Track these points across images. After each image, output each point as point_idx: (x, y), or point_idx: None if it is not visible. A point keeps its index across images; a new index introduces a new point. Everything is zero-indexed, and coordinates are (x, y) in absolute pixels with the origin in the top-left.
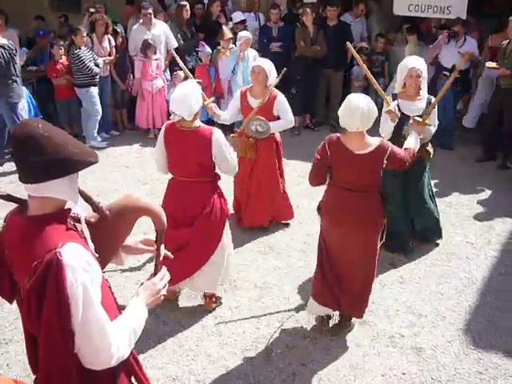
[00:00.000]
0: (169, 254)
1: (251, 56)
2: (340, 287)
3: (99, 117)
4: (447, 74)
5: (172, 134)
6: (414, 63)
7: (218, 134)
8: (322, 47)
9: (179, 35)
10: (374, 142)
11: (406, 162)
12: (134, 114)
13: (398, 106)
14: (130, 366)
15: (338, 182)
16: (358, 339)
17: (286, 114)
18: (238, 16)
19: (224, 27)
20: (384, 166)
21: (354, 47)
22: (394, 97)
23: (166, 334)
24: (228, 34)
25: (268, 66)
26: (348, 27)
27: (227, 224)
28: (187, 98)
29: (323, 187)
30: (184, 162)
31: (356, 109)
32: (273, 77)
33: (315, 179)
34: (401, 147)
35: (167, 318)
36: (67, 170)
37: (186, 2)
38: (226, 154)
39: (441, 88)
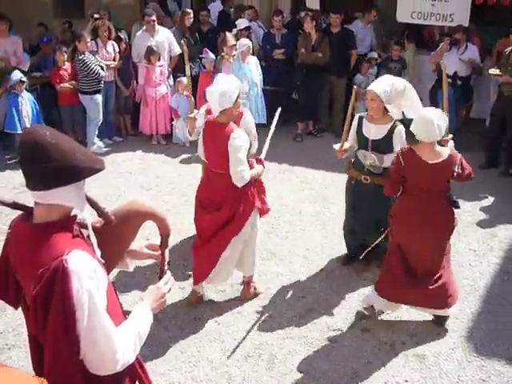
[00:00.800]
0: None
1: (253, 63)
2: (414, 283)
3: (99, 122)
4: (449, 80)
5: (208, 125)
6: (371, 86)
7: (237, 134)
8: (325, 54)
9: (182, 41)
10: (445, 151)
11: (472, 174)
12: (137, 120)
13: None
14: (134, 372)
15: (411, 190)
16: (360, 346)
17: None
18: (242, 23)
19: (227, 34)
20: (454, 175)
21: (365, 55)
22: None
23: (168, 340)
24: (231, 40)
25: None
26: (351, 34)
27: (255, 218)
28: (218, 92)
29: (324, 195)
30: (211, 152)
31: (432, 122)
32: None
33: (391, 190)
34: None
35: (169, 324)
36: (74, 177)
37: (190, 10)
38: (234, 157)
39: (441, 92)
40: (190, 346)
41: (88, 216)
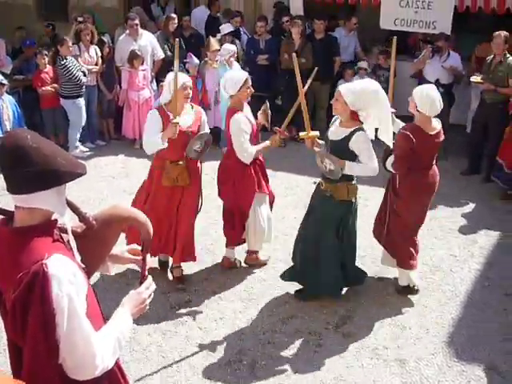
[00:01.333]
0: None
1: (236, 69)
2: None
3: (81, 127)
4: None
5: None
6: (341, 86)
7: (234, 118)
8: (308, 60)
9: (166, 46)
10: (437, 123)
11: None
12: (120, 124)
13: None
14: (114, 377)
15: (416, 165)
16: (341, 351)
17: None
18: (226, 28)
19: (211, 39)
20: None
21: (350, 62)
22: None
23: (151, 344)
24: (215, 45)
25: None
26: (335, 41)
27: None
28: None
29: (307, 200)
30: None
31: (436, 97)
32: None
33: (402, 168)
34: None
35: (151, 329)
36: (55, 181)
37: (174, 15)
38: (234, 139)
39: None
40: (172, 351)
41: (68, 221)
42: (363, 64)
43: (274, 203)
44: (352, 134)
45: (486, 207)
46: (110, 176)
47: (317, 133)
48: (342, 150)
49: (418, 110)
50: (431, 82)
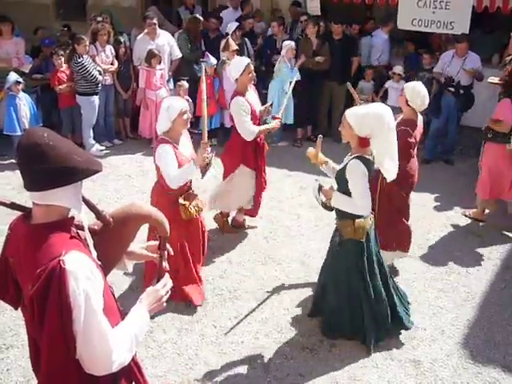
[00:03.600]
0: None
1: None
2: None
3: (93, 124)
4: (452, 89)
5: None
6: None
7: (235, 100)
8: (326, 60)
9: (189, 45)
10: (420, 118)
11: None
12: (137, 123)
13: None
14: (131, 372)
15: (411, 153)
16: (356, 351)
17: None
18: (232, 26)
19: (229, 38)
20: None
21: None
22: None
23: (166, 342)
24: (233, 45)
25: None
26: (353, 41)
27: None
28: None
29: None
30: None
31: (426, 94)
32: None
33: (408, 160)
34: None
35: (167, 327)
36: (72, 178)
37: (200, 17)
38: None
39: (445, 104)
40: (187, 349)
41: (84, 217)
42: (398, 69)
43: (288, 203)
44: (350, 161)
45: (502, 209)
46: (127, 175)
47: (325, 159)
48: (340, 180)
49: (408, 105)
50: (452, 84)
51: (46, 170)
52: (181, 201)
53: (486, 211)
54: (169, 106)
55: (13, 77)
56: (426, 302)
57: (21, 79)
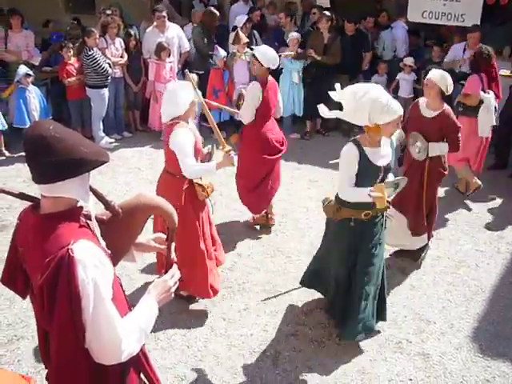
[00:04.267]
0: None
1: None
2: None
3: (103, 117)
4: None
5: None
6: None
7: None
8: (336, 55)
9: (205, 39)
10: None
11: None
12: (147, 115)
13: None
14: (139, 362)
15: None
16: (365, 344)
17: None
18: (241, 19)
19: (240, 31)
20: None
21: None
22: None
23: (175, 334)
24: (244, 38)
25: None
26: (366, 36)
27: None
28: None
29: (334, 191)
30: None
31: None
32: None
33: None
34: None
35: (176, 319)
36: (79, 170)
37: (216, 11)
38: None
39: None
40: (196, 341)
41: (92, 208)
42: (409, 60)
43: (298, 196)
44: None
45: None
46: (136, 167)
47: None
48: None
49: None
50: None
51: (52, 162)
52: (198, 181)
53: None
54: (180, 92)
55: (23, 69)
56: (436, 296)
57: (31, 72)
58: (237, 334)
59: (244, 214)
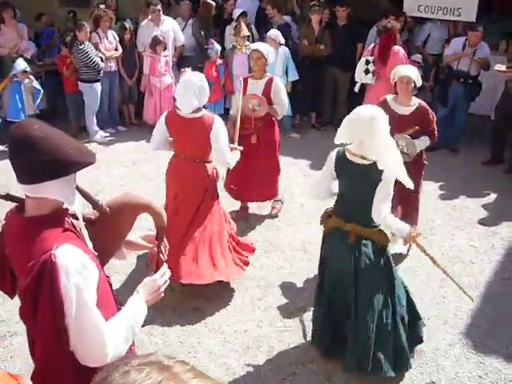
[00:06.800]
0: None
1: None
2: None
3: (96, 111)
4: (462, 80)
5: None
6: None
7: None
8: (327, 46)
9: (202, 32)
10: None
11: None
12: (141, 109)
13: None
14: None
15: None
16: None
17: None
18: (237, 12)
19: (243, 24)
20: None
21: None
22: None
23: (169, 329)
24: (245, 31)
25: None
26: (359, 28)
27: None
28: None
29: None
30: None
31: None
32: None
33: None
34: None
35: (169, 315)
36: (63, 171)
37: (212, 2)
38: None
39: (453, 94)
40: (189, 337)
41: (78, 209)
42: (417, 57)
43: (292, 191)
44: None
45: (508, 198)
46: (130, 162)
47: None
48: None
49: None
50: (461, 73)
51: (37, 162)
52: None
53: None
54: (201, 85)
55: (21, 65)
56: (429, 292)
57: (28, 68)
58: (231, 330)
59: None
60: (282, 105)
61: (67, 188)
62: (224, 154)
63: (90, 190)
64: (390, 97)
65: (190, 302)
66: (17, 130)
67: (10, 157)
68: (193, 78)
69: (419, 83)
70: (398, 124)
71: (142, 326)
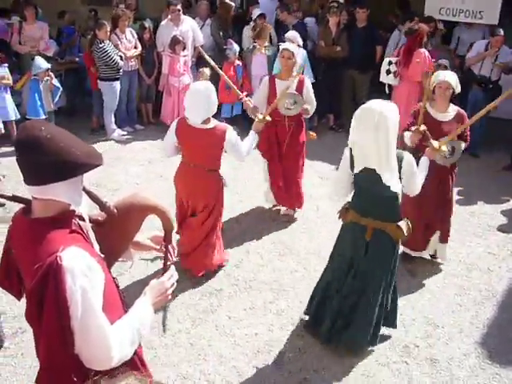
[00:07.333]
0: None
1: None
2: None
3: (114, 109)
4: (482, 85)
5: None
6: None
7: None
8: (344, 48)
9: (221, 32)
10: None
11: None
12: (159, 108)
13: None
14: (132, 365)
15: None
16: (372, 347)
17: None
18: (256, 12)
19: (267, 26)
20: None
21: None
22: None
23: (180, 331)
24: (267, 34)
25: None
26: (377, 30)
27: None
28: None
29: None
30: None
31: None
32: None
33: None
34: None
35: (182, 316)
36: (69, 172)
37: (232, 3)
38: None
39: (473, 98)
40: (200, 339)
41: (85, 211)
42: (443, 60)
43: (308, 193)
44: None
45: None
46: (147, 160)
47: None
48: None
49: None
50: (483, 78)
51: (43, 163)
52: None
53: None
54: (207, 94)
55: (43, 64)
56: (445, 299)
57: (49, 66)
58: (242, 333)
59: (254, 211)
60: (313, 104)
61: (74, 190)
62: (241, 154)
63: (106, 188)
64: (427, 103)
65: (202, 305)
66: (24, 130)
67: (16, 158)
68: (200, 87)
69: (458, 89)
70: (437, 130)
71: (153, 327)
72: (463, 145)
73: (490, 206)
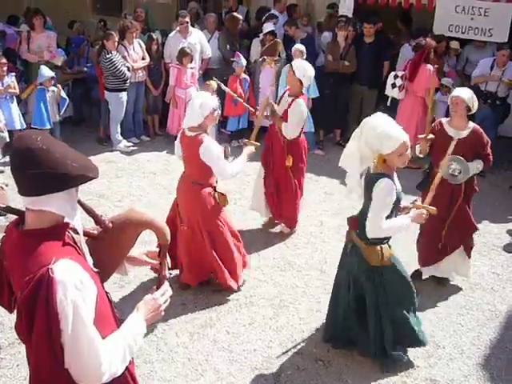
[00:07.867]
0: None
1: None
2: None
3: (120, 120)
4: (489, 101)
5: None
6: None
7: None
8: (352, 63)
9: (228, 46)
10: None
11: None
12: (166, 120)
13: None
14: (123, 381)
15: None
16: (371, 366)
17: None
18: (267, 27)
19: (279, 43)
20: None
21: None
22: None
23: (177, 345)
24: (279, 50)
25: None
26: (385, 45)
27: None
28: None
29: (347, 207)
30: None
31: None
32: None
33: None
34: None
35: (180, 330)
36: (64, 184)
37: (239, 16)
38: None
39: (480, 115)
40: (197, 354)
41: (79, 223)
42: (446, 81)
43: (312, 208)
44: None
45: None
46: (152, 172)
47: None
48: None
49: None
50: (489, 95)
51: (38, 174)
52: (219, 191)
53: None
54: (202, 102)
55: (47, 73)
56: (447, 319)
57: (53, 74)
58: (240, 349)
59: (256, 225)
60: (287, 125)
61: (68, 202)
62: (221, 169)
63: (109, 200)
64: (444, 119)
65: (201, 319)
66: (20, 141)
67: (11, 168)
68: (196, 96)
69: (475, 108)
70: (453, 148)
71: (151, 340)
72: (475, 165)
73: (496, 226)
